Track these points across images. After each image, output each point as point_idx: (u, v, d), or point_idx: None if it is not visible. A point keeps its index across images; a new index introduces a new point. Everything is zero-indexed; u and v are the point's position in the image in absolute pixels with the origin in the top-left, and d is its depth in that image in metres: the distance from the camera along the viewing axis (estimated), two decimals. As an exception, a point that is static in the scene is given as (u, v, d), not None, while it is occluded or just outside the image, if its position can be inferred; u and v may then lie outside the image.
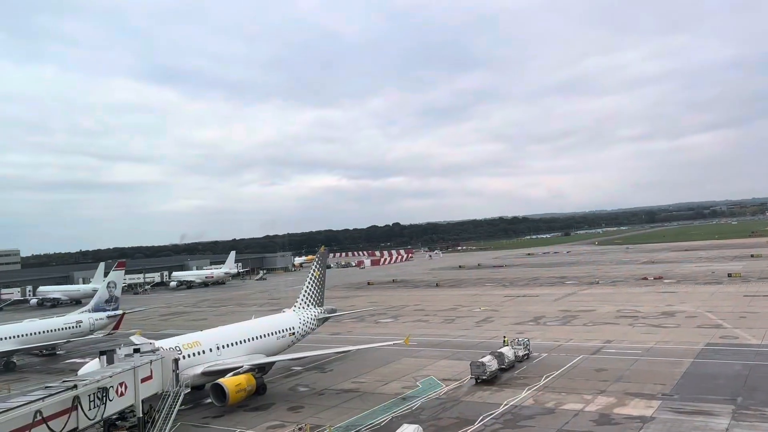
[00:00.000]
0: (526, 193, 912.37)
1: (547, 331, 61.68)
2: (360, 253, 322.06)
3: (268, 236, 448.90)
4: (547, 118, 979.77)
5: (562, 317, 70.08)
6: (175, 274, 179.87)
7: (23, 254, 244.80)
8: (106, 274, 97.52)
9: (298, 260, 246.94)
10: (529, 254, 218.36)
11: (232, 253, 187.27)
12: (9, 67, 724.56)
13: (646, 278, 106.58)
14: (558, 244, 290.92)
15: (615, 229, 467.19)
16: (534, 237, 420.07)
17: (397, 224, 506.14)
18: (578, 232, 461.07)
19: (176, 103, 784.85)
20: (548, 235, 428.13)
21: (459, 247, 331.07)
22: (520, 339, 49.93)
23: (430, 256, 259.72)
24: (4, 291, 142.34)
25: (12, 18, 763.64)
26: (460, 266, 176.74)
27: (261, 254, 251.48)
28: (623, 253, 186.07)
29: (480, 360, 43.15)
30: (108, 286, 75.16)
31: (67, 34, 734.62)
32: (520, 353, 47.81)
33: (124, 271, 77.72)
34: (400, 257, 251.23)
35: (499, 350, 46.12)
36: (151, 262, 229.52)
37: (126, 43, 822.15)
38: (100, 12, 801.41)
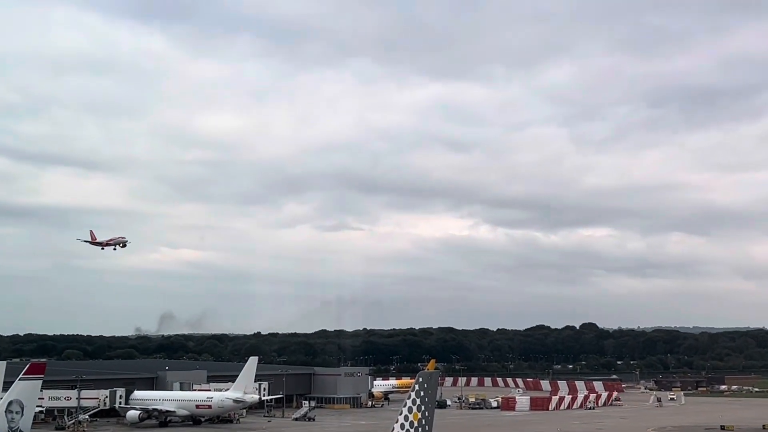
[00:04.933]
0: None
1: None
2: (511, 381, 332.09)
3: (324, 332, 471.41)
4: None
5: None
6: (138, 394, 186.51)
7: None
8: (6, 387, 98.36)
9: (380, 386, 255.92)
10: None
11: (252, 362, 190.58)
12: None
13: None
14: None
15: None
16: None
17: (590, 326, 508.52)
18: None
19: (165, 58, 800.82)
20: None
21: (722, 386, 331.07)
22: None
23: (659, 399, 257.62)
24: None
25: None
26: (722, 427, 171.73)
27: (308, 367, 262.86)
28: None
29: None
30: (9, 409, 78.00)
31: None
32: None
33: (41, 383, 79.73)
34: (594, 396, 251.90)
35: None
36: (94, 367, 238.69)
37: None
38: None
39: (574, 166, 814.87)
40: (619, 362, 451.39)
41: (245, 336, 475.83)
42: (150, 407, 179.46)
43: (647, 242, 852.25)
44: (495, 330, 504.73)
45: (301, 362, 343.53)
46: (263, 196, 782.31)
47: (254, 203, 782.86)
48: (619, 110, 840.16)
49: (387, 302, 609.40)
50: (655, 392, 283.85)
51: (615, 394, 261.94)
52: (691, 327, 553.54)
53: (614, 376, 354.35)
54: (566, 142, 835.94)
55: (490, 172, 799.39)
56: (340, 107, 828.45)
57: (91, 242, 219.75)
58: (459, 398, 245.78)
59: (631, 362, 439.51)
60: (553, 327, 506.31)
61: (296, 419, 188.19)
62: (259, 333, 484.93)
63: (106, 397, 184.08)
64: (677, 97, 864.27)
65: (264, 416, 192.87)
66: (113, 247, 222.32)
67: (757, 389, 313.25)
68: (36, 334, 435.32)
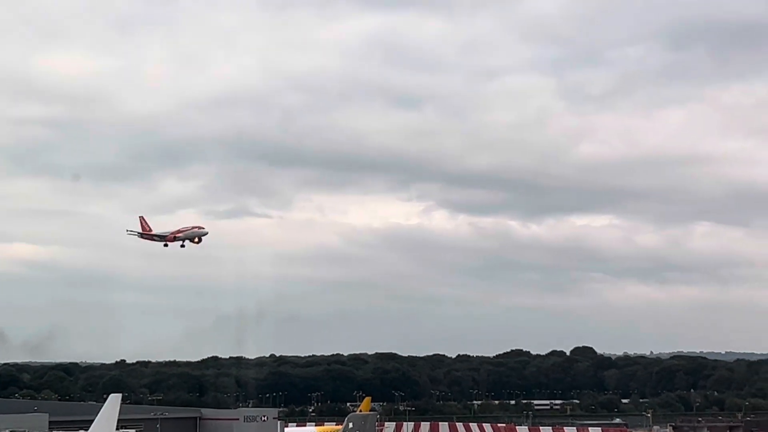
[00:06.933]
0: None
1: None
2: (476, 428, 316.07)
3: (216, 359, 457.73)
4: None
5: None
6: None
7: None
8: None
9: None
10: None
11: (114, 401, 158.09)
12: None
13: None
14: None
15: None
16: None
17: (585, 351, 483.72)
18: None
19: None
20: None
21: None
22: None
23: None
24: None
25: None
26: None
27: (193, 409, 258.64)
28: None
29: None
30: None
31: None
32: None
33: None
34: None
35: None
36: None
37: None
38: None
39: (565, 130, 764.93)
40: (624, 400, 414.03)
41: (104, 365, 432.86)
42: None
43: (664, 235, 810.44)
44: (454, 357, 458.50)
45: (183, 401, 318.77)
46: (130, 169, 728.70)
47: (118, 179, 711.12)
48: (628, 53, 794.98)
49: (305, 318, 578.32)
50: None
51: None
52: (723, 352, 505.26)
53: (617, 420, 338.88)
54: (554, 96, 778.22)
55: (449, 137, 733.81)
56: (238, 44, 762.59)
57: (142, 234, 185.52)
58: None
59: (641, 400, 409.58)
60: (534, 352, 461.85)
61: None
62: (123, 361, 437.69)
63: None
64: (707, 36, 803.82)
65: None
66: (181, 242, 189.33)
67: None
68: None
